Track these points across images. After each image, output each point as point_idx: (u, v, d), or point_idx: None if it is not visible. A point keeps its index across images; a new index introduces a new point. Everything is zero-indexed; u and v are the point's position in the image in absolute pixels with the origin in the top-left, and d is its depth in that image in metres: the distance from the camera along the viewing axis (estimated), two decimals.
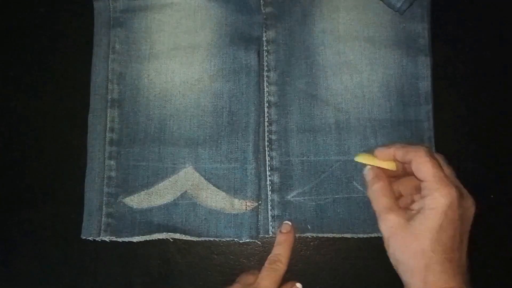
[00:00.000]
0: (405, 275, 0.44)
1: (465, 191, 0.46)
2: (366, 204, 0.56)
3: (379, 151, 0.49)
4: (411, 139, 0.57)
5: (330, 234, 0.56)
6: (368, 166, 0.49)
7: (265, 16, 0.59)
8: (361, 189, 0.56)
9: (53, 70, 0.60)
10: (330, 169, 0.56)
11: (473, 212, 0.46)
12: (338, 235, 0.56)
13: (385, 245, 0.45)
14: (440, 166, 0.45)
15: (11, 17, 0.60)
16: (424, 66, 0.58)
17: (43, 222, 0.57)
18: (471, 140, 0.59)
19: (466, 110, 0.59)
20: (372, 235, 0.56)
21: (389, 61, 0.58)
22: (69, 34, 0.60)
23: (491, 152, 0.59)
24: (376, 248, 0.52)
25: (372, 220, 0.55)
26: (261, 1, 0.59)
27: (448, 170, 0.47)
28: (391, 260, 0.45)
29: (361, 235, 0.56)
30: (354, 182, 0.56)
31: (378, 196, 0.47)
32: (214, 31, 0.58)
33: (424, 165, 0.44)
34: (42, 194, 0.58)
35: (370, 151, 0.49)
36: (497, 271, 0.57)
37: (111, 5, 0.59)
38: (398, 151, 0.47)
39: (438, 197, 0.43)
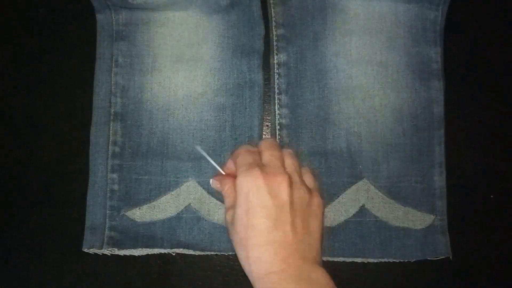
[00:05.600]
0: (242, 265, 0.45)
1: (277, 170, 0.46)
2: (378, 228, 0.56)
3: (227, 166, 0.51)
4: (423, 164, 0.56)
5: (341, 258, 0.56)
6: (212, 179, 0.51)
7: (276, 38, 0.59)
8: (373, 213, 0.56)
9: (53, 70, 0.59)
10: (342, 191, 0.56)
11: (287, 189, 0.45)
12: (348, 259, 0.56)
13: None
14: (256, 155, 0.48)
15: (11, 17, 0.60)
16: (437, 91, 0.57)
17: (43, 222, 0.57)
18: (471, 140, 0.59)
19: (466, 110, 0.59)
20: (383, 260, 0.56)
21: (402, 85, 0.58)
22: (69, 34, 0.60)
23: (491, 152, 0.59)
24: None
25: (383, 245, 0.56)
26: (273, 23, 0.59)
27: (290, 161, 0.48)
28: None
29: (371, 260, 0.56)
30: (366, 205, 0.56)
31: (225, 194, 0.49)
32: (216, 44, 0.58)
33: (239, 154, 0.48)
34: (42, 195, 0.57)
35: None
36: (497, 271, 0.57)
37: (113, 17, 0.59)
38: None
39: (240, 181, 0.45)
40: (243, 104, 0.57)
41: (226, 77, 0.58)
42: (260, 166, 0.46)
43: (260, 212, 0.44)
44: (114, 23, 0.59)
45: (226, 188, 0.49)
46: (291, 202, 0.45)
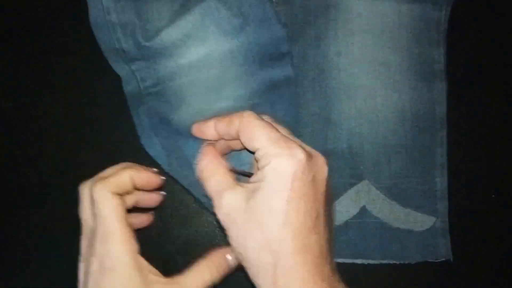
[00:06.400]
0: (253, 275, 0.34)
1: (311, 149, 0.36)
2: (378, 230, 0.56)
3: (197, 128, 0.40)
4: (425, 165, 0.56)
5: (341, 259, 0.56)
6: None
7: None
8: (374, 214, 0.56)
9: (53, 70, 0.59)
10: (343, 192, 0.56)
11: (326, 173, 0.35)
12: (348, 260, 0.56)
13: (228, 238, 0.35)
14: (274, 127, 0.36)
15: (11, 17, 0.60)
16: (439, 92, 0.57)
17: (43, 222, 0.57)
18: (473, 142, 0.59)
19: (468, 111, 0.59)
20: (383, 262, 0.56)
21: (404, 85, 0.57)
22: (69, 34, 0.60)
23: (494, 154, 0.58)
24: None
25: (384, 247, 0.56)
26: None
27: (284, 130, 0.38)
28: (237, 256, 0.36)
29: (371, 262, 0.56)
30: (366, 206, 0.56)
31: (208, 176, 0.36)
32: (242, 71, 0.55)
33: (254, 130, 0.35)
34: (42, 195, 0.58)
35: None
36: (497, 271, 0.57)
37: (141, 86, 0.55)
38: (220, 124, 0.38)
39: (279, 164, 0.33)
40: (281, 100, 0.55)
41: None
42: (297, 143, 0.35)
43: (305, 207, 0.33)
44: (143, 92, 0.55)
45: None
46: (328, 194, 0.35)
